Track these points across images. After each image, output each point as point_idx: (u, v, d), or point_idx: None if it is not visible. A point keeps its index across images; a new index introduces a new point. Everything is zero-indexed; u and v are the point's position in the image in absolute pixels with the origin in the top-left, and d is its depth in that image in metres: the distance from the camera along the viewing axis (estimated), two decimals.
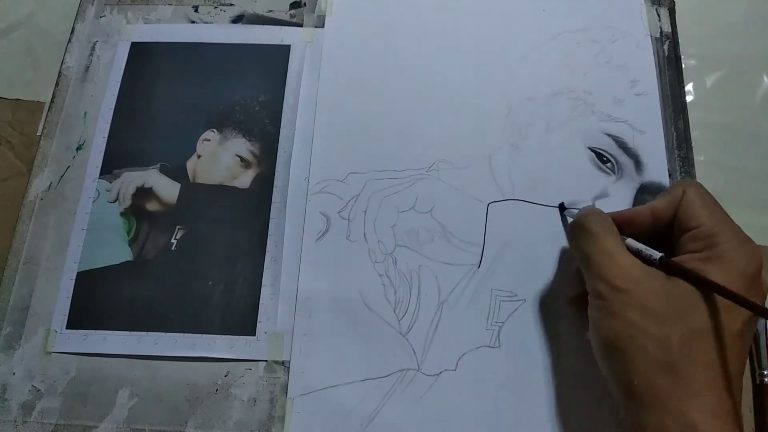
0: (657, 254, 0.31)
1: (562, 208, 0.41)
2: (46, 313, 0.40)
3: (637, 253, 0.32)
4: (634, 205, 0.41)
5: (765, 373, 0.37)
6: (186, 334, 0.39)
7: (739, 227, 0.31)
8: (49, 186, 0.43)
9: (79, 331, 0.39)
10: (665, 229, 0.33)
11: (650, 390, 0.28)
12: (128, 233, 0.42)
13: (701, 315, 0.28)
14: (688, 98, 0.45)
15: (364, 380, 0.37)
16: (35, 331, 0.40)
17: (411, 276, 0.40)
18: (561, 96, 0.44)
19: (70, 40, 0.48)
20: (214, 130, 0.45)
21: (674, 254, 0.32)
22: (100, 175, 0.44)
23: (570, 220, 0.40)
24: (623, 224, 0.34)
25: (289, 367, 0.38)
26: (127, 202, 0.43)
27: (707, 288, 0.29)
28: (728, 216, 0.31)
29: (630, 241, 0.33)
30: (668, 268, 0.30)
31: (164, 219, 0.42)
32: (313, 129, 0.44)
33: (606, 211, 0.35)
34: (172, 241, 0.42)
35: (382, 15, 0.48)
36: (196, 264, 0.41)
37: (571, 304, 0.37)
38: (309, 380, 0.38)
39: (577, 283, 0.36)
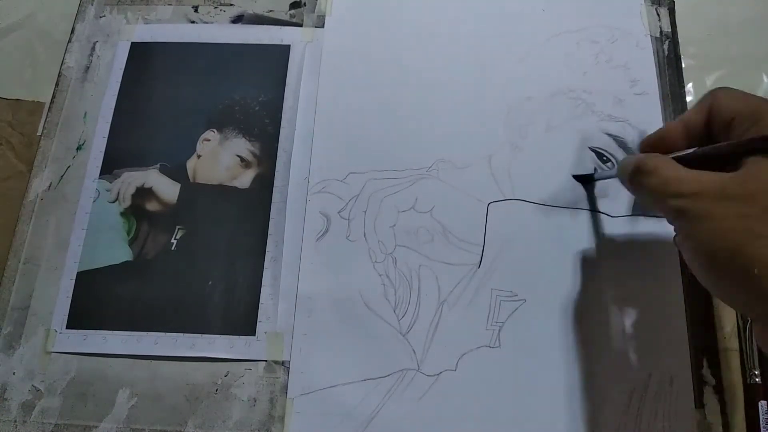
0: (697, 149, 0.29)
1: (586, 179, 0.41)
2: (46, 313, 0.40)
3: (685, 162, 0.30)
4: (634, 205, 0.41)
5: (756, 372, 0.37)
6: (186, 334, 0.39)
7: None
8: (49, 186, 0.43)
9: (79, 331, 0.39)
10: (701, 141, 0.31)
11: None
12: (128, 233, 0.42)
13: None
14: (688, 98, 0.45)
15: (364, 380, 0.37)
16: (35, 331, 0.40)
17: (411, 276, 0.40)
18: (561, 96, 0.44)
19: (70, 40, 0.48)
20: (214, 130, 0.45)
21: None
22: (100, 175, 0.44)
23: (608, 177, 0.39)
24: (656, 144, 0.32)
25: (288, 367, 0.38)
26: (127, 202, 0.43)
27: (751, 146, 0.27)
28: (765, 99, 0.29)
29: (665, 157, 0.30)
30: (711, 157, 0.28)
31: (164, 219, 0.42)
32: (313, 129, 0.44)
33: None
34: (172, 241, 0.42)
35: (382, 15, 0.48)
36: (196, 264, 0.41)
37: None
38: (309, 380, 0.38)
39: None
